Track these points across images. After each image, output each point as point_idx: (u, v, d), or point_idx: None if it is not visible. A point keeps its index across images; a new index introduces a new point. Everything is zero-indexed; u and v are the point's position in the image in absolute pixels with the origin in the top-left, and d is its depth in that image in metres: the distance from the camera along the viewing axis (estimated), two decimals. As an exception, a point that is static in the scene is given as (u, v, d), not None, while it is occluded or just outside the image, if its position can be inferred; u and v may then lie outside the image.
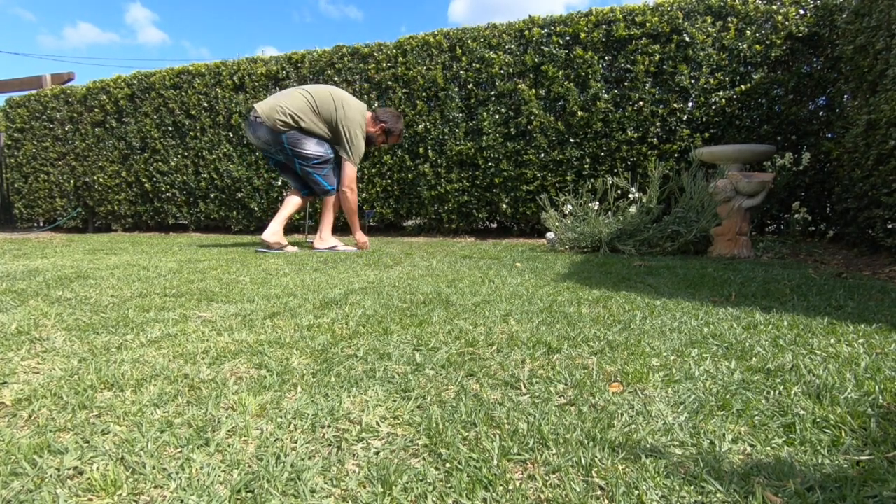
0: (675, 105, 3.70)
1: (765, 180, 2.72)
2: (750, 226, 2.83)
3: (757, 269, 2.24)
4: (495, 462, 0.61)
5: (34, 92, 6.16)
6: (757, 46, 3.47)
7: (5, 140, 6.36)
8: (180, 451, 0.64)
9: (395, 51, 4.53)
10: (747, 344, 1.07)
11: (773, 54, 3.46)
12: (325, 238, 3.37)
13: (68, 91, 5.90)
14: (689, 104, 3.71)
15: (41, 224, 6.60)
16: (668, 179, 3.53)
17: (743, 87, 3.53)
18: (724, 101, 3.58)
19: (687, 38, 3.63)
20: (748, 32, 3.50)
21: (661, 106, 3.74)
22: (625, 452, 0.63)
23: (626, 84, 3.84)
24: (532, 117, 4.07)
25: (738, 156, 3.07)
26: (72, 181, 6.02)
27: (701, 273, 2.10)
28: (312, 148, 3.16)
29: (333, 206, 3.38)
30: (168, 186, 5.54)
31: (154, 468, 0.60)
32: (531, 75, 4.09)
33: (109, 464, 0.61)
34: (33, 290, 1.74)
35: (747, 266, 2.34)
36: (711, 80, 3.59)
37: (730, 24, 3.55)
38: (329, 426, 0.71)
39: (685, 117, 3.70)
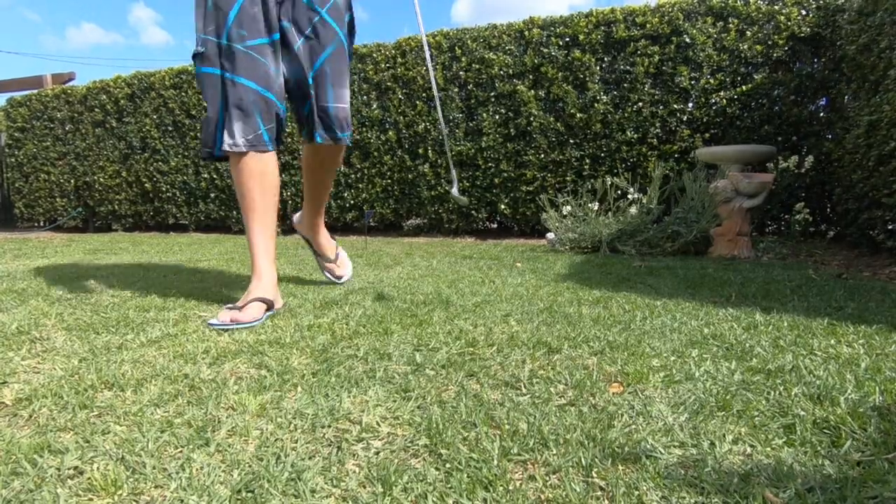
0: (675, 106, 3.70)
1: (765, 181, 2.72)
2: (750, 226, 2.82)
3: (757, 269, 2.24)
4: (495, 462, 0.61)
5: (35, 92, 6.17)
6: (758, 47, 3.47)
7: (6, 139, 6.36)
8: (180, 451, 0.64)
9: (394, 51, 4.53)
10: (747, 345, 1.07)
11: (774, 55, 3.46)
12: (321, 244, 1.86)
13: (69, 91, 5.91)
14: (690, 105, 3.71)
15: (42, 224, 6.60)
16: (668, 180, 3.53)
17: (744, 87, 3.52)
18: (724, 101, 3.58)
19: (687, 39, 3.63)
20: (749, 33, 3.50)
21: (661, 107, 3.74)
22: (625, 453, 0.63)
23: (625, 85, 3.84)
24: (532, 118, 4.07)
25: (738, 156, 3.07)
26: (72, 181, 6.02)
27: (701, 273, 2.10)
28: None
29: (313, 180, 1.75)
30: (168, 186, 5.55)
31: (154, 468, 0.60)
32: (531, 76, 4.09)
33: (110, 463, 0.61)
34: (34, 289, 1.74)
35: (747, 266, 2.34)
36: (712, 81, 3.59)
37: (730, 26, 3.55)
38: (329, 426, 0.71)
39: (685, 118, 3.70)
